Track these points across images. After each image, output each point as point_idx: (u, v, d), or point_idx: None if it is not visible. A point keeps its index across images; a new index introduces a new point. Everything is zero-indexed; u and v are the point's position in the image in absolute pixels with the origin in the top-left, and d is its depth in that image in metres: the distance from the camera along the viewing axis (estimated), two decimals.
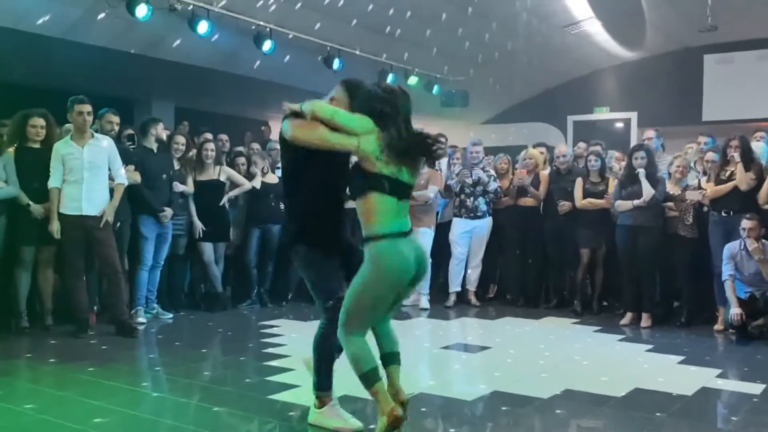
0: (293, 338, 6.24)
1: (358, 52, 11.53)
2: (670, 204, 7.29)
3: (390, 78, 12.33)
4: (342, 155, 3.76)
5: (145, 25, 8.86)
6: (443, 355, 6.08)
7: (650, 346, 6.31)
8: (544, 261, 8.40)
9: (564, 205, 7.97)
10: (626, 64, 14.86)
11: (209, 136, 8.23)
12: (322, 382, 3.92)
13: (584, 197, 7.84)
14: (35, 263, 6.38)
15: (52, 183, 6.18)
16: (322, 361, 3.91)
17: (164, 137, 7.34)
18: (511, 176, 8.53)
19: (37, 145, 6.37)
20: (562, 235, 8.06)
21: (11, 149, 6.33)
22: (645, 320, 7.22)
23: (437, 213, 8.46)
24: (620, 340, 6.64)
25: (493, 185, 8.25)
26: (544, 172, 8.44)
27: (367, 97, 3.68)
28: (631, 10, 12.18)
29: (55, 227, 6.14)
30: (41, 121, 6.36)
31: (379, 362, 3.71)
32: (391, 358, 3.81)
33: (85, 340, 6.10)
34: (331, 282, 3.84)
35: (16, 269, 6.31)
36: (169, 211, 7.03)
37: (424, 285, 8.10)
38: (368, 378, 3.59)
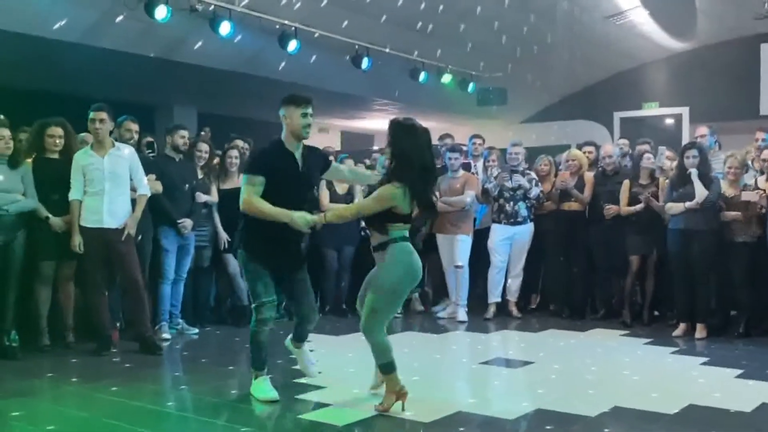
0: (324, 354, 6.24)
1: (388, 50, 11.61)
2: (734, 214, 7.11)
3: (423, 77, 12.40)
4: (293, 179, 4.72)
5: (165, 28, 9.00)
6: (483, 370, 6.09)
7: (705, 359, 6.26)
8: (590, 269, 8.34)
9: (611, 209, 7.91)
10: (676, 55, 14.76)
11: (239, 143, 8.24)
12: (258, 364, 5.00)
13: (632, 200, 7.80)
14: (55, 279, 6.49)
15: (73, 195, 6.28)
16: (255, 351, 4.96)
17: (181, 145, 7.26)
18: (554, 179, 8.48)
19: (55, 156, 6.48)
20: (610, 240, 8.00)
21: (29, 160, 6.44)
22: (700, 331, 7.15)
23: (475, 219, 8.47)
24: (673, 352, 6.60)
25: (535, 191, 8.17)
26: (589, 174, 8.37)
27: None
28: None
29: (77, 241, 6.24)
30: (59, 131, 6.46)
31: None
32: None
33: (108, 358, 6.22)
34: (258, 286, 4.72)
35: (36, 285, 6.41)
36: (188, 222, 7.09)
37: (462, 296, 8.12)
38: (392, 364, 4.52)
